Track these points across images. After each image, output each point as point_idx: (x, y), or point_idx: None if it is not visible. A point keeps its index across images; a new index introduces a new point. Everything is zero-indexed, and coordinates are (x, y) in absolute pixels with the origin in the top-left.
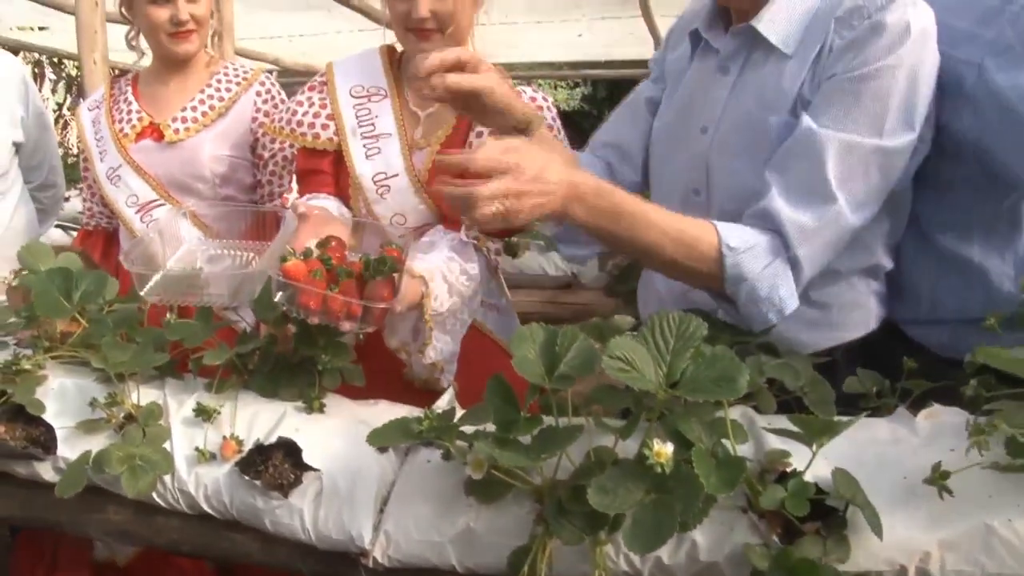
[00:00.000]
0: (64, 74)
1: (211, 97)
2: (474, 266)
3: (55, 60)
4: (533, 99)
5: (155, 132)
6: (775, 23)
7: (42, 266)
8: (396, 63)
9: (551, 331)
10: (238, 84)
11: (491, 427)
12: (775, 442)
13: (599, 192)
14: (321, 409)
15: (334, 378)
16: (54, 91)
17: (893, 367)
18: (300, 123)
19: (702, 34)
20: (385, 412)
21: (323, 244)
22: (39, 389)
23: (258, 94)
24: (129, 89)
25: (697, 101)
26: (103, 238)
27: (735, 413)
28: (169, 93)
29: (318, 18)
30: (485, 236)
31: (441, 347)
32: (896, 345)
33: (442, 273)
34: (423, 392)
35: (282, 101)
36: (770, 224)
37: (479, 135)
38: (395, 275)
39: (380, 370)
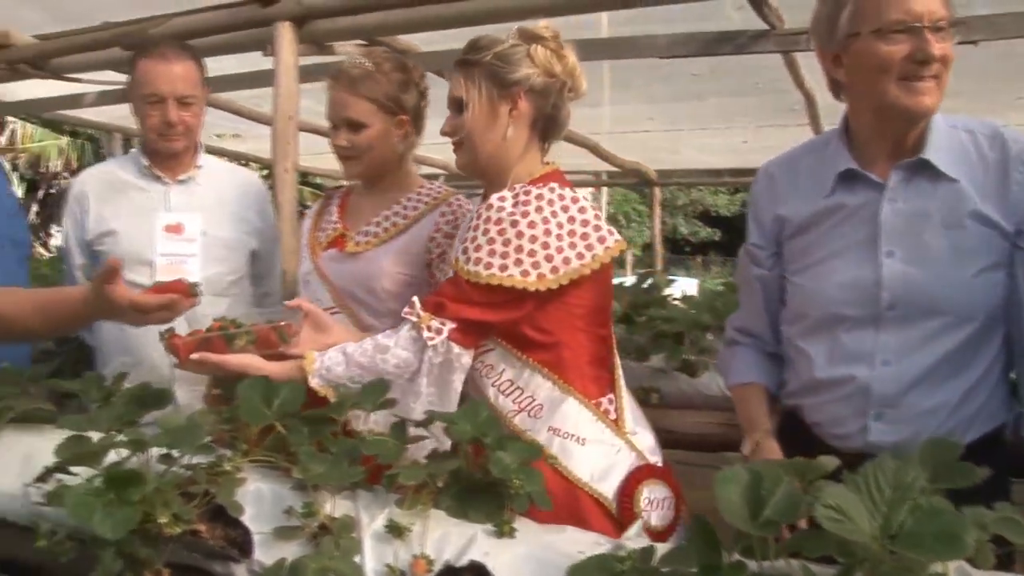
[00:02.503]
0: None
1: (397, 214)
2: (390, 342)
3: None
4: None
5: (341, 243)
6: (941, 153)
7: None
8: None
9: (755, 473)
10: (426, 203)
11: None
12: None
13: None
14: (512, 534)
15: (523, 502)
16: None
17: None
18: None
19: (861, 172)
20: (574, 540)
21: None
22: (238, 491)
23: (442, 214)
24: (337, 200)
25: (871, 231)
26: None
27: (951, 568)
28: (366, 206)
29: None
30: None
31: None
32: None
33: (343, 349)
34: None
35: None
36: None
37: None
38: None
39: None
